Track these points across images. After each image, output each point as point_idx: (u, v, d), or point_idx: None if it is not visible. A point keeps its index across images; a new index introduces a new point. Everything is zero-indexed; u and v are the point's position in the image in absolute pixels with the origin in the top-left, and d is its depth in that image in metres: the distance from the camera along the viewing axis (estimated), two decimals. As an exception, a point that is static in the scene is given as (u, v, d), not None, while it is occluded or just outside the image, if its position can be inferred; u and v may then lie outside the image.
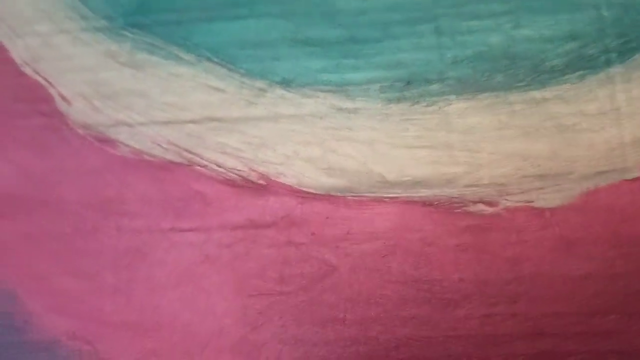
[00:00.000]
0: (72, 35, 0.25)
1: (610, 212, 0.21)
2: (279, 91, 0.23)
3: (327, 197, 0.22)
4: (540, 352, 0.20)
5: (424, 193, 0.22)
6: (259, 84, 0.23)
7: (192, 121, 0.23)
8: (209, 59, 0.24)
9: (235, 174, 0.23)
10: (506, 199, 0.21)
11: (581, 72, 0.23)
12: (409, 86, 0.23)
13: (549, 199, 0.21)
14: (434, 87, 0.23)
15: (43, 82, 0.24)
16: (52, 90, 0.24)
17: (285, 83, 0.23)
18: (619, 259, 0.21)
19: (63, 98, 0.24)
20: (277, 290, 0.21)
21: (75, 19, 0.25)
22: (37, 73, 0.24)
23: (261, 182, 0.22)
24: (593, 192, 0.21)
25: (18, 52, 0.25)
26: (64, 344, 0.22)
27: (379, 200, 0.22)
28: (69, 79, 0.24)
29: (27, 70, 0.25)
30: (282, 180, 0.22)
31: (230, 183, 0.22)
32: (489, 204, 0.21)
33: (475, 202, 0.22)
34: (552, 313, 0.21)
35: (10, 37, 0.25)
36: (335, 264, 0.21)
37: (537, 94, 0.22)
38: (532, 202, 0.21)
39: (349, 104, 0.23)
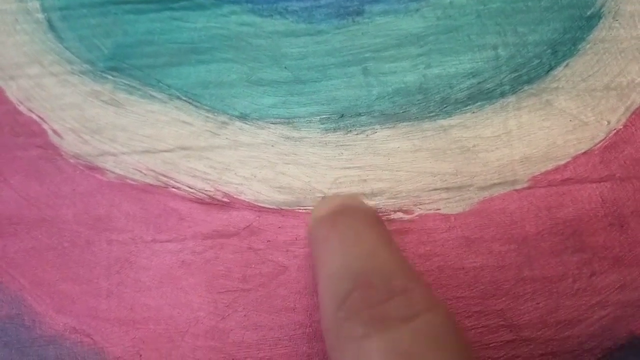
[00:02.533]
0: (60, 78, 0.27)
1: (502, 216, 0.25)
2: (238, 124, 0.26)
3: (279, 210, 0.25)
4: (445, 327, 0.24)
5: (356, 205, 0.25)
6: (221, 118, 0.27)
7: (166, 150, 0.26)
8: (178, 98, 0.27)
9: (204, 194, 0.26)
10: (419, 208, 0.25)
11: (480, 103, 0.26)
12: (343, 118, 0.26)
13: (453, 206, 0.25)
14: (363, 118, 0.26)
15: (37, 118, 0.27)
16: (45, 126, 0.27)
17: (243, 117, 0.26)
18: (509, 253, 0.25)
19: (55, 132, 0.27)
20: (240, 287, 0.25)
21: (62, 63, 0.27)
22: (31, 111, 0.27)
23: (225, 199, 0.26)
24: (489, 200, 0.25)
25: (12, 92, 0.27)
26: (67, 337, 0.25)
27: (321, 212, 0.25)
28: (59, 115, 0.27)
29: (22, 109, 0.27)
30: (242, 197, 0.26)
31: (199, 201, 0.26)
32: (406, 212, 0.25)
33: (395, 211, 0.25)
34: (455, 297, 0.24)
35: (5, 80, 0.27)
36: (286, 264, 0.25)
37: (444, 122, 0.26)
38: (440, 209, 0.25)
39: (295, 134, 0.26)
